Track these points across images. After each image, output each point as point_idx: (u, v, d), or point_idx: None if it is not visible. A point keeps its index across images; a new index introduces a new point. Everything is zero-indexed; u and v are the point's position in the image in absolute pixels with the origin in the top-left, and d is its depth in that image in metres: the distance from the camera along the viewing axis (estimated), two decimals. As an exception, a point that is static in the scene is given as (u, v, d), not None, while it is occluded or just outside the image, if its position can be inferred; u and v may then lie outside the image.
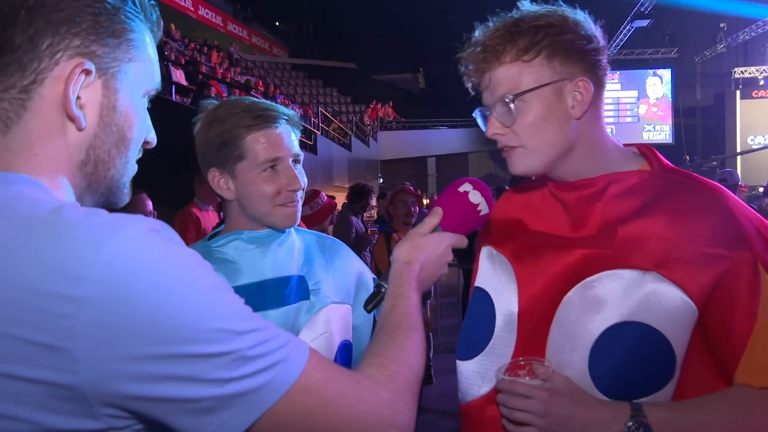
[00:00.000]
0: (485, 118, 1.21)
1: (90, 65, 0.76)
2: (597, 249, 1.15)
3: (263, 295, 1.39)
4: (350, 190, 6.47)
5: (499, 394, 1.13)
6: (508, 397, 1.10)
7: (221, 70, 16.54)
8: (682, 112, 22.06)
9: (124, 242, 0.66)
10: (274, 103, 1.45)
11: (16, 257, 0.64)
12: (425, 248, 1.13)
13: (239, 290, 1.41)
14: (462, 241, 1.17)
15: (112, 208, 0.85)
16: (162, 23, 0.88)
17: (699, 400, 1.08)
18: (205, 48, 18.74)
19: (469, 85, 1.22)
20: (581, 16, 1.15)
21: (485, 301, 1.29)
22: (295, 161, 1.44)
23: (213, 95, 10.66)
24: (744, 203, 1.15)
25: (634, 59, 23.63)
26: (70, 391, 0.63)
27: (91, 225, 0.66)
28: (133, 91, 0.82)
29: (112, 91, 0.79)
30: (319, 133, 17.66)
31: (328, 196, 5.15)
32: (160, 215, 5.30)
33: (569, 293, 1.15)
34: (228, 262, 1.42)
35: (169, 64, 11.01)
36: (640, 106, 22.86)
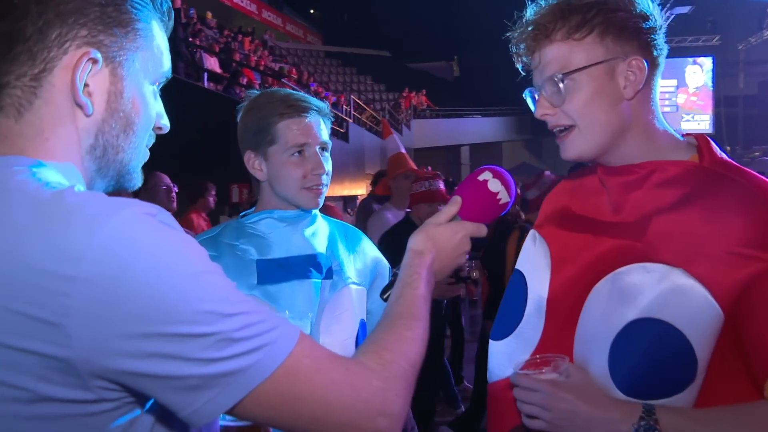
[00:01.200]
0: (534, 100, 1.19)
1: (97, 54, 0.80)
2: (630, 239, 1.11)
3: (290, 267, 1.53)
4: (374, 177, 6.41)
5: (513, 388, 1.14)
6: (518, 390, 1.11)
7: (255, 58, 16.63)
8: (723, 101, 21.53)
9: (119, 225, 0.69)
10: (307, 95, 1.60)
11: (20, 236, 0.68)
12: (440, 238, 1.12)
13: (270, 262, 1.51)
14: (480, 230, 1.15)
15: (123, 191, 0.90)
16: (173, 13, 0.91)
17: (719, 411, 1.02)
18: (240, 36, 18.84)
19: (519, 65, 1.20)
20: None
21: (520, 283, 1.29)
22: (323, 149, 1.57)
23: (245, 83, 10.75)
24: None
25: (673, 47, 23.18)
26: (63, 363, 0.68)
27: (89, 208, 0.70)
28: (140, 79, 0.87)
29: (119, 79, 0.84)
30: (351, 120, 17.67)
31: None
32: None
33: (599, 283, 1.13)
34: (259, 237, 1.56)
35: (202, 51, 11.11)
36: (678, 95, 22.37)
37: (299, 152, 1.54)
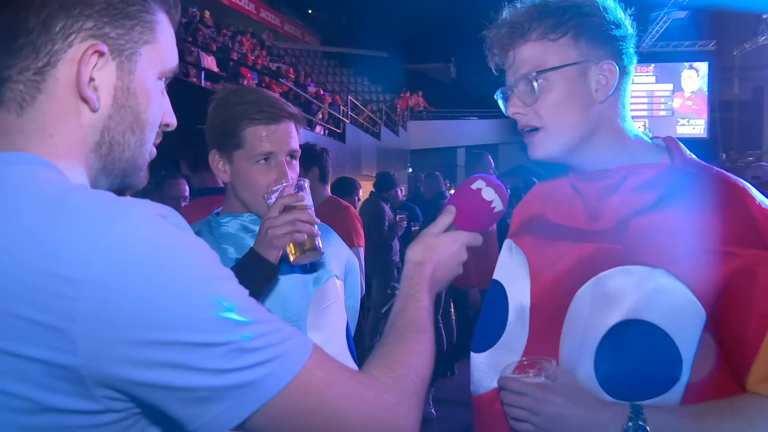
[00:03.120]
0: (506, 99, 1.20)
1: (103, 47, 0.76)
2: (610, 244, 1.13)
3: None
4: (378, 178, 6.43)
5: (501, 391, 1.13)
6: (505, 393, 1.11)
7: (253, 57, 16.61)
8: (718, 106, 21.59)
9: (129, 226, 0.66)
10: (281, 100, 1.54)
11: (24, 236, 0.65)
12: (438, 248, 1.10)
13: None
14: (476, 239, 1.15)
15: (128, 190, 0.86)
16: (179, 5, 0.88)
17: (704, 407, 1.03)
18: (238, 35, 18.81)
19: (492, 65, 1.22)
20: (610, 2, 1.15)
21: (500, 293, 1.29)
22: (291, 156, 1.52)
23: (243, 82, 10.74)
24: None
25: (669, 51, 23.19)
26: (67, 371, 0.64)
27: (98, 208, 0.68)
28: (147, 73, 0.82)
29: (126, 73, 0.80)
30: (347, 121, 17.65)
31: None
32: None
33: (582, 288, 1.13)
34: (236, 237, 1.52)
35: (200, 50, 11.09)
36: (674, 100, 22.39)
37: (265, 160, 1.48)
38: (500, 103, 1.23)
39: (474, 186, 1.17)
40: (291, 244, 1.39)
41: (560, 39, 1.12)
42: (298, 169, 1.54)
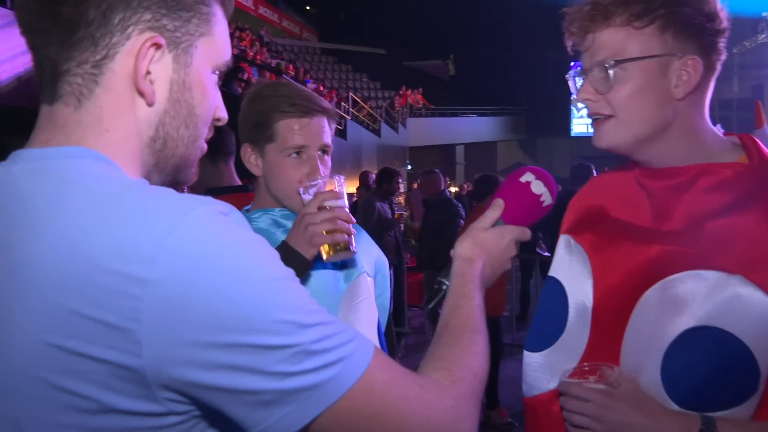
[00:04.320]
0: (575, 83, 1.14)
1: (161, 39, 0.75)
2: (680, 246, 1.06)
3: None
4: (377, 175, 6.53)
5: (561, 397, 1.09)
6: (567, 399, 1.06)
7: (251, 53, 16.58)
8: (718, 104, 21.62)
9: (194, 225, 0.65)
10: (314, 94, 1.52)
11: (85, 233, 0.64)
12: (487, 244, 1.07)
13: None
14: (525, 234, 1.11)
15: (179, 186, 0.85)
16: None
17: None
18: (237, 31, 18.77)
19: (568, 44, 1.13)
20: None
21: (558, 291, 1.24)
22: (323, 152, 1.50)
23: (245, 78, 10.73)
24: None
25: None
26: (131, 372, 0.64)
27: (161, 205, 0.66)
28: (203, 67, 0.80)
29: (182, 66, 0.78)
30: (349, 118, 17.64)
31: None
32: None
33: (648, 291, 1.08)
34: (267, 232, 1.50)
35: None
36: (674, 98, 22.45)
37: (297, 153, 1.47)
38: (570, 84, 1.17)
39: (523, 179, 1.12)
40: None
41: (646, 27, 1.04)
42: (330, 164, 1.53)
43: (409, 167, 24.94)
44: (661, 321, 1.04)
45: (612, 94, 1.07)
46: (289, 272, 0.72)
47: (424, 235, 6.16)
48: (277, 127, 1.46)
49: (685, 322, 1.01)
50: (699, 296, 1.01)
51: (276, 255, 0.72)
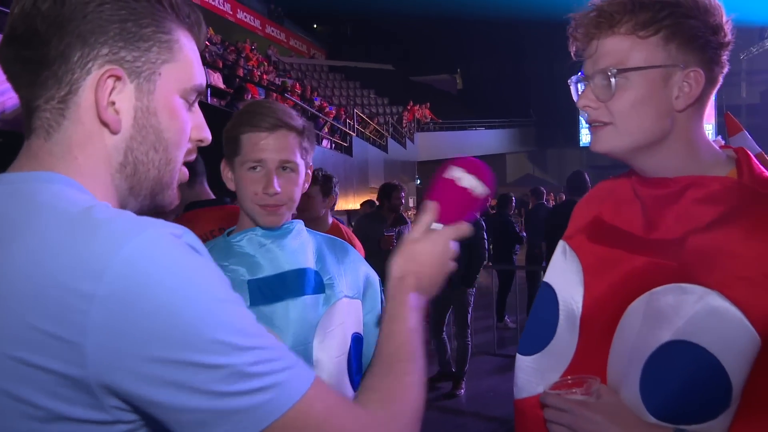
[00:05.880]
0: (577, 89, 1.14)
1: (119, 71, 0.79)
2: (665, 258, 1.06)
3: (284, 285, 1.48)
4: (380, 191, 6.02)
5: (543, 408, 1.11)
6: (547, 410, 1.08)
7: (258, 73, 16.72)
8: (726, 110, 21.56)
9: (143, 243, 0.68)
10: (284, 110, 1.53)
11: (47, 251, 0.68)
12: (420, 256, 1.04)
13: (262, 281, 1.49)
14: (462, 231, 1.07)
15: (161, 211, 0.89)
16: (202, 20, 0.89)
17: None
18: (244, 51, 18.95)
19: (572, 49, 1.13)
20: (714, 3, 1.06)
21: (550, 297, 1.25)
22: (285, 168, 1.50)
23: (248, 97, 10.82)
24: None
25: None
26: (78, 382, 0.67)
27: (115, 224, 0.69)
28: (169, 92, 0.84)
29: (145, 94, 0.82)
30: (354, 134, 17.73)
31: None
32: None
33: (635, 302, 1.08)
34: (248, 256, 1.51)
35: (205, 67, 11.17)
36: (682, 105, 22.41)
37: (255, 167, 1.49)
38: (572, 89, 1.16)
39: (449, 175, 1.07)
40: None
41: (650, 37, 1.04)
42: (299, 182, 1.54)
43: (419, 182, 24.97)
44: (644, 333, 1.04)
45: (613, 102, 1.07)
46: (234, 296, 0.74)
47: None
48: (241, 140, 1.50)
49: (664, 335, 1.01)
50: (681, 310, 1.01)
51: (223, 279, 0.74)
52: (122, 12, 0.79)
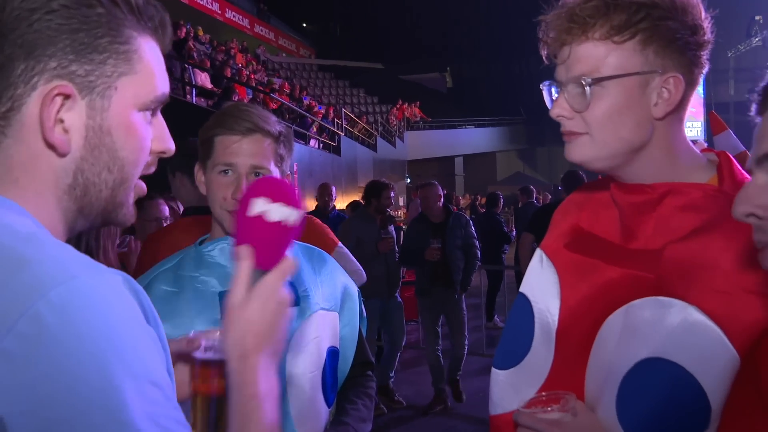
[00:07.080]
0: (551, 95, 1.08)
1: (68, 87, 0.71)
2: (643, 270, 1.01)
3: None
4: (364, 190, 5.72)
5: (517, 428, 1.07)
6: (519, 429, 1.05)
7: (247, 72, 16.64)
8: (714, 108, 21.69)
9: (62, 296, 0.61)
10: (261, 114, 1.47)
11: None
12: (252, 325, 0.88)
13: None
14: (287, 269, 0.91)
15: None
16: (167, 21, 0.81)
17: None
18: (232, 50, 18.85)
19: (543, 53, 1.06)
20: (693, 1, 1.00)
21: (526, 309, 1.19)
22: (257, 174, 1.43)
23: (235, 98, 10.79)
24: None
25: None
26: None
27: (39, 268, 0.63)
28: (125, 108, 0.76)
29: (98, 111, 0.74)
30: (342, 134, 17.69)
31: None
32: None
33: (612, 316, 1.04)
34: (219, 266, 1.46)
35: (191, 67, 11.09)
36: (670, 103, 22.54)
37: (225, 171, 1.43)
38: (545, 96, 1.10)
39: (254, 212, 0.91)
40: None
41: (626, 42, 0.97)
42: None
43: (408, 180, 24.97)
44: (621, 348, 1.00)
45: (588, 112, 1.01)
46: (156, 374, 0.67)
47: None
48: (214, 142, 1.45)
49: (641, 351, 0.97)
50: (657, 325, 0.96)
51: (152, 349, 0.67)
52: (73, 21, 0.71)
